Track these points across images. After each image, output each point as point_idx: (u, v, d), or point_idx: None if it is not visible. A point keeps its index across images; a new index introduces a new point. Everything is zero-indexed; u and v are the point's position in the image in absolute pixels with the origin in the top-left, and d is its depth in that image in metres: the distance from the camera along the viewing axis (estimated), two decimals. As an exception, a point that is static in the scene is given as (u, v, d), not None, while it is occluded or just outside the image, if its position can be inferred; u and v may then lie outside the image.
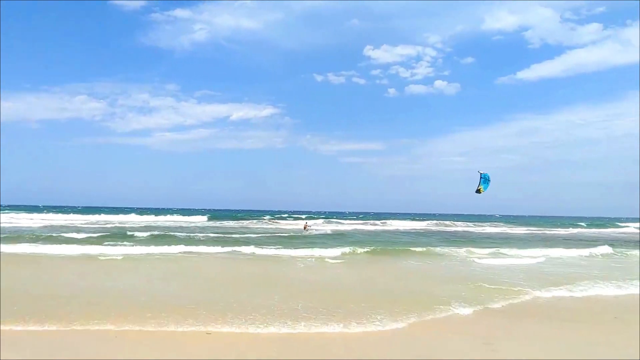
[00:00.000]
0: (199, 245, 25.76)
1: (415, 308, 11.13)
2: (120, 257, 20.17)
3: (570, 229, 64.07)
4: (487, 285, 14.71)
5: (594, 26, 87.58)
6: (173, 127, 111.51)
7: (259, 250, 23.77)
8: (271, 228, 50.60)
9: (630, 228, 66.99)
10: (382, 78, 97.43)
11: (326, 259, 21.14)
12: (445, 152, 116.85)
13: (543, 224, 73.09)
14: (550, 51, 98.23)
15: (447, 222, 69.11)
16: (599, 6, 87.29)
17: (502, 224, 70.26)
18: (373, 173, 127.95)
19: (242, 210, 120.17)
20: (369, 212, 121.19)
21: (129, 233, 32.89)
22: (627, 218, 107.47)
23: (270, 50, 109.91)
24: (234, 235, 34.99)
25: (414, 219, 74.20)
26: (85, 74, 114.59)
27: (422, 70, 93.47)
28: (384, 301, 11.99)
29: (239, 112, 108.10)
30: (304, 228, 48.26)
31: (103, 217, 61.38)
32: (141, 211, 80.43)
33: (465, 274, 17.54)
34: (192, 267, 18.63)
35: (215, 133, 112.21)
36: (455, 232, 51.59)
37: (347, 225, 59.59)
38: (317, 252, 23.31)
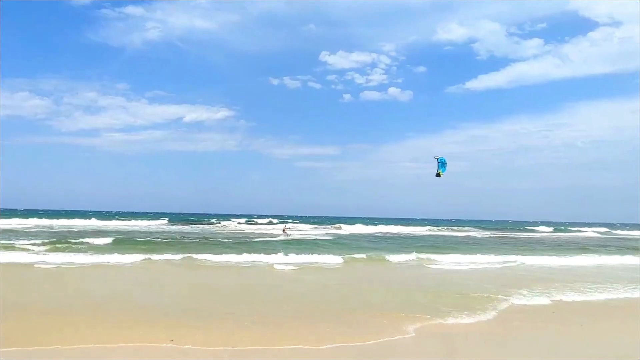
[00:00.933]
0: (163, 253, 24.12)
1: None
2: (64, 267, 18.99)
3: (532, 233, 66.89)
4: (471, 294, 14.83)
5: (536, 41, 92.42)
6: (123, 127, 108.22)
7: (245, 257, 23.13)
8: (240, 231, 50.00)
9: (589, 232, 70.45)
10: (337, 83, 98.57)
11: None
12: (398, 157, 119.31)
13: (503, 228, 76.21)
14: (497, 63, 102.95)
15: (400, 227, 70.23)
16: (541, 22, 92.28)
17: (454, 228, 71.99)
18: (327, 177, 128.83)
19: (195, 213, 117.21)
20: (323, 216, 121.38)
21: (85, 240, 30.66)
22: (570, 222, 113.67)
23: (225, 52, 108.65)
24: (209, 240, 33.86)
25: (371, 224, 74.84)
26: (27, 69, 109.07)
27: (377, 77, 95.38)
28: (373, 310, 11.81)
29: (192, 113, 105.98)
30: (283, 231, 48.09)
31: (46, 222, 57.93)
32: (88, 214, 76.74)
33: (439, 281, 17.74)
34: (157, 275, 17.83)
35: (167, 135, 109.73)
36: (411, 235, 52.30)
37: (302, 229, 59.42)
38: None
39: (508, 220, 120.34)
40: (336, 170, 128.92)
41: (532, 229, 76.81)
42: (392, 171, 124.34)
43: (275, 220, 78.03)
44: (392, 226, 69.55)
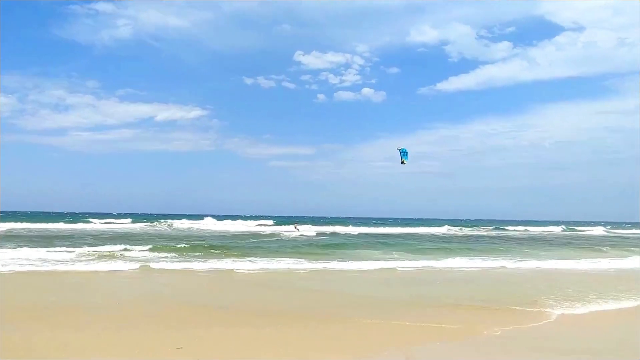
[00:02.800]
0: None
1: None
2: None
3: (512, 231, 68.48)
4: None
5: (505, 44, 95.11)
6: (92, 126, 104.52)
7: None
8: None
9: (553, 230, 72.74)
10: (311, 83, 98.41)
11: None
12: (371, 157, 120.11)
13: (478, 227, 77.85)
14: (467, 65, 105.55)
15: (378, 227, 70.74)
16: (510, 26, 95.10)
17: (425, 227, 72.61)
18: (301, 177, 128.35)
19: (167, 214, 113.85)
20: (297, 216, 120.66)
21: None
22: (535, 221, 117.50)
23: (199, 51, 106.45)
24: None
25: (351, 224, 74.94)
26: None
27: (351, 77, 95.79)
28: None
29: (164, 112, 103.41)
30: (295, 228, 54.29)
31: (33, 226, 54.65)
32: (58, 217, 73.23)
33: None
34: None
35: (138, 134, 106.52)
36: (390, 235, 52.52)
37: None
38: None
39: (482, 219, 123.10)
40: (310, 170, 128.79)
41: (504, 228, 78.77)
42: (365, 171, 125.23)
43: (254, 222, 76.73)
44: (382, 228, 70.03)
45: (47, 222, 61.11)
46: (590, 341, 10.16)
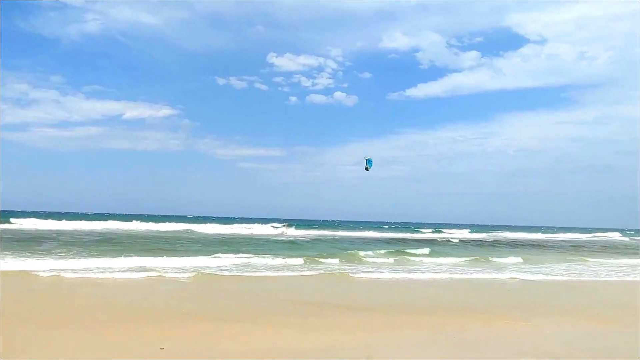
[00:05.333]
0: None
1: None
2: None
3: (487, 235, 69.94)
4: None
5: (473, 53, 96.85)
6: (56, 122, 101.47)
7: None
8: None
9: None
10: (284, 85, 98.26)
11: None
12: (342, 160, 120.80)
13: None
14: (437, 73, 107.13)
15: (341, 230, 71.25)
16: (478, 36, 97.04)
17: (393, 232, 73.67)
18: (271, 179, 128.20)
19: (136, 214, 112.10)
20: (267, 218, 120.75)
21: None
22: (501, 226, 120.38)
23: (171, 49, 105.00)
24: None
25: (312, 227, 75.42)
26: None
27: (323, 80, 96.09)
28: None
29: (132, 110, 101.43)
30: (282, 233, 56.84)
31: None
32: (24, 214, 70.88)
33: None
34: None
35: (105, 132, 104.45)
36: (363, 238, 53.33)
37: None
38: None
39: (459, 224, 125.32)
40: (281, 172, 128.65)
41: (442, 231, 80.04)
42: (336, 174, 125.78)
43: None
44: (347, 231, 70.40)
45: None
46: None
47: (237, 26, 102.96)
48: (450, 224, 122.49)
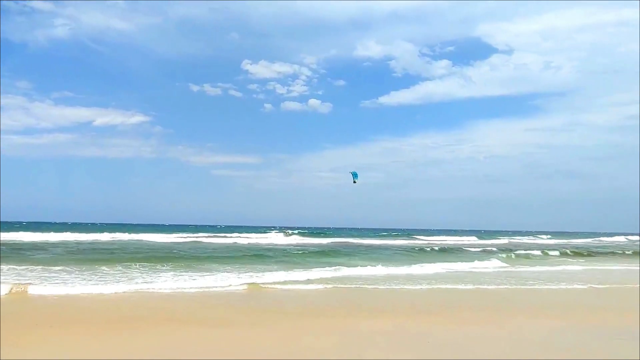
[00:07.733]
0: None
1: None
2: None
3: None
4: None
5: (445, 62, 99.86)
6: (23, 129, 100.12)
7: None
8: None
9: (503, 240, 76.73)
10: (259, 93, 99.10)
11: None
12: (317, 167, 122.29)
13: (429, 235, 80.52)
14: (410, 80, 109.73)
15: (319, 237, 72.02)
16: (450, 46, 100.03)
17: (370, 238, 74.81)
18: (246, 187, 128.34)
19: (107, 224, 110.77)
20: (241, 226, 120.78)
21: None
22: (469, 230, 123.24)
23: (143, 55, 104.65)
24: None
25: (292, 234, 76.01)
26: None
27: (298, 88, 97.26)
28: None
29: (103, 117, 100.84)
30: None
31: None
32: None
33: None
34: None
35: (74, 139, 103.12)
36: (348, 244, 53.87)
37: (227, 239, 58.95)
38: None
39: (429, 229, 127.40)
40: (256, 179, 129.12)
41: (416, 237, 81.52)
42: (311, 181, 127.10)
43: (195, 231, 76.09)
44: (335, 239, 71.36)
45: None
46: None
47: (211, 33, 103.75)
48: (426, 230, 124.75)
